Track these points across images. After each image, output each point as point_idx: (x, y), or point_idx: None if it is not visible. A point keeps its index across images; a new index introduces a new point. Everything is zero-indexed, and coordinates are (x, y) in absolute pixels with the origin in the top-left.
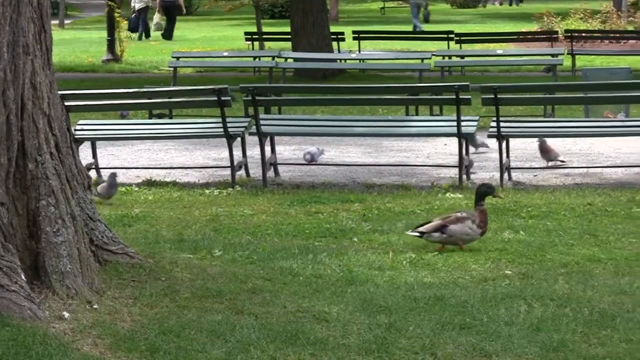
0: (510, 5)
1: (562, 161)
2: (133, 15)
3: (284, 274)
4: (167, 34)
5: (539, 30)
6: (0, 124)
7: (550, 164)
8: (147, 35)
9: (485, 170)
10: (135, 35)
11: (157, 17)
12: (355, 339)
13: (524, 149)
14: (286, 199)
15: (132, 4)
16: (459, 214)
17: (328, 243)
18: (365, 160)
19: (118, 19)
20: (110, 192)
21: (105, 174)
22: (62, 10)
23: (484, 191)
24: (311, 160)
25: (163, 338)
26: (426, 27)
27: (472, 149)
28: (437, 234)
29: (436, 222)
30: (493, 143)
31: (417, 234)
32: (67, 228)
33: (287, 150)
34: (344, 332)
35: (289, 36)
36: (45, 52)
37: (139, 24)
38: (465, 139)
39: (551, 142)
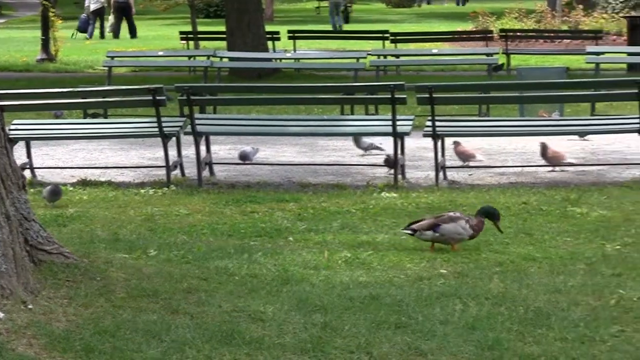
0: (458, 5)
1: (479, 160)
2: (84, 15)
3: (219, 274)
4: (130, 33)
5: (474, 29)
6: None
7: (467, 163)
8: (102, 36)
9: (421, 170)
10: (81, 35)
11: (112, 18)
12: (290, 339)
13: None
14: (221, 199)
15: (87, 4)
16: (451, 214)
17: (263, 242)
18: (300, 159)
19: (53, 18)
20: (53, 198)
21: (40, 173)
22: None
23: (489, 211)
24: (245, 159)
25: (98, 338)
26: (360, 27)
27: (360, 152)
28: (429, 232)
29: (429, 220)
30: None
31: (410, 232)
32: (2, 228)
33: (223, 149)
34: (280, 332)
35: (224, 35)
36: None
37: (89, 24)
38: (402, 138)
39: (466, 143)
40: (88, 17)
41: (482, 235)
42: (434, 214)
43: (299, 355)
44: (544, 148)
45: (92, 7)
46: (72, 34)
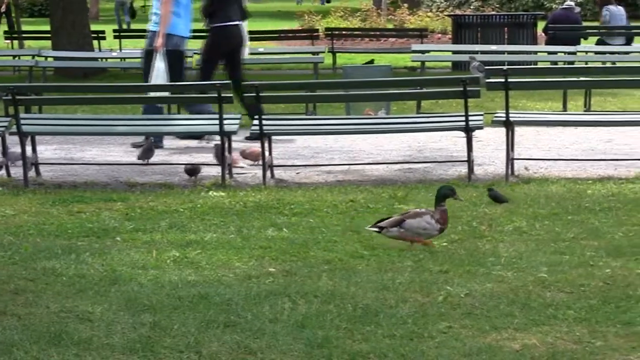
0: (322, 4)
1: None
2: None
3: (46, 274)
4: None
5: (300, 28)
6: None
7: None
8: None
9: (248, 169)
10: None
11: None
12: (119, 339)
13: (286, 147)
14: (48, 199)
15: None
16: (417, 210)
17: (91, 243)
18: (127, 159)
19: None
20: None
21: None
22: None
23: (444, 193)
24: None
25: None
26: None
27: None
28: (395, 229)
29: (395, 217)
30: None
31: (377, 229)
32: None
33: (48, 149)
34: (108, 332)
35: (49, 35)
36: None
37: None
38: (229, 137)
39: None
40: None
41: (309, 233)
42: (401, 212)
43: (128, 355)
44: (243, 151)
45: None
46: None
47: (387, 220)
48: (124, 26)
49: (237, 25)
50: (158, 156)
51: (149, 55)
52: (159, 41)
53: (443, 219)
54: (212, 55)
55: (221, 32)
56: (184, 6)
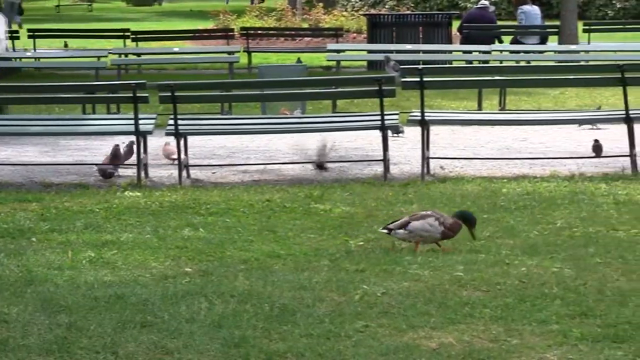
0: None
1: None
2: None
3: None
4: None
5: (215, 28)
6: None
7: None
8: None
9: (163, 168)
10: None
11: None
12: (35, 340)
13: (202, 146)
14: None
15: None
16: (423, 212)
17: (6, 243)
18: (42, 159)
19: None
20: None
21: None
22: None
23: (466, 216)
24: None
25: None
26: (101, 26)
27: None
28: (401, 231)
29: (403, 219)
30: None
31: (386, 231)
32: None
33: None
34: (24, 333)
35: None
36: None
37: None
38: (144, 136)
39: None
40: None
41: (226, 233)
42: (410, 214)
43: (45, 357)
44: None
45: None
46: None
47: (395, 222)
48: (14, 27)
49: None
50: (73, 156)
51: None
52: None
53: (453, 228)
54: None
55: None
56: None
